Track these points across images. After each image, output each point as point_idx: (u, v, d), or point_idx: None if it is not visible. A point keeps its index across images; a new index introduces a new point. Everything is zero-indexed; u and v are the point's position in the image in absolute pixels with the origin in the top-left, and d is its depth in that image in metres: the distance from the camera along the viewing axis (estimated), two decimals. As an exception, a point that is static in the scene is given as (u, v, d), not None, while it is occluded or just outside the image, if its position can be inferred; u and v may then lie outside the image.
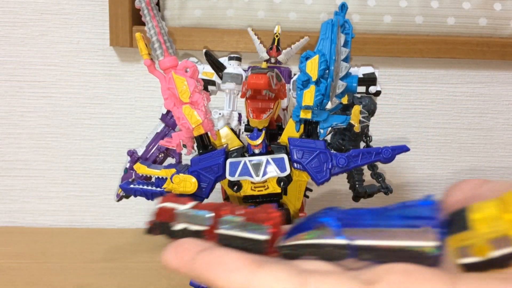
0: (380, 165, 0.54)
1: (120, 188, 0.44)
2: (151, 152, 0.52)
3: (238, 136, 0.47)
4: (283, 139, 0.43)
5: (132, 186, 0.43)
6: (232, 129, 0.46)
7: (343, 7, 0.43)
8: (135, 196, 0.43)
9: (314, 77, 0.40)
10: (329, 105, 0.42)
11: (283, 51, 0.52)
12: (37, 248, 0.70)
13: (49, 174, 0.80)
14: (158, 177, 0.43)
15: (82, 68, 0.76)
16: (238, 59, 0.53)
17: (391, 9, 0.73)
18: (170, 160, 0.53)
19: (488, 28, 0.73)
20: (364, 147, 0.54)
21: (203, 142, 0.42)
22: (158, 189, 0.42)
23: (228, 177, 0.40)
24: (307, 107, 0.40)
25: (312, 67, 0.40)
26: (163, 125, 0.53)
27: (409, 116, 0.79)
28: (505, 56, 0.73)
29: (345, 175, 0.55)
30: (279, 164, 0.40)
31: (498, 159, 0.80)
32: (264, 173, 0.40)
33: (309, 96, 0.40)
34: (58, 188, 0.80)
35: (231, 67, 0.51)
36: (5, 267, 0.64)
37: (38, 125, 0.78)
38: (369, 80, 0.53)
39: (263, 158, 0.40)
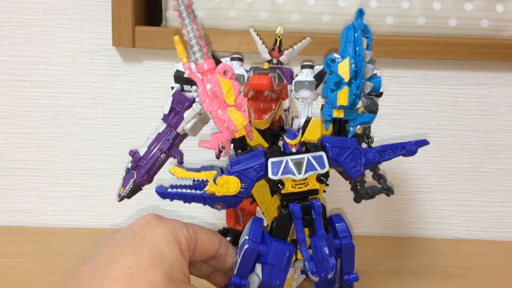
0: (381, 166, 0.54)
1: (156, 192, 0.43)
2: (153, 152, 0.52)
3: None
4: (308, 137, 0.45)
5: (169, 190, 0.43)
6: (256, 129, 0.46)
7: (361, 13, 0.46)
8: (172, 200, 0.43)
9: (347, 78, 0.43)
10: (359, 104, 0.45)
11: (285, 52, 0.52)
12: (39, 248, 0.70)
13: (51, 174, 0.80)
14: (197, 180, 0.43)
15: (84, 68, 0.77)
16: (240, 59, 0.53)
17: (393, 11, 0.73)
18: (172, 160, 0.53)
19: (490, 29, 0.73)
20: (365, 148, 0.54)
21: (242, 143, 0.43)
22: (198, 191, 0.42)
23: (271, 176, 0.42)
24: (341, 107, 0.43)
25: (344, 69, 0.43)
26: (165, 125, 0.53)
27: (411, 118, 0.79)
28: (507, 57, 0.73)
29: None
30: (319, 161, 0.42)
31: (500, 161, 0.80)
32: (306, 171, 0.42)
33: (343, 96, 0.43)
34: (60, 188, 0.80)
35: (233, 68, 0.51)
36: (7, 267, 0.64)
37: (40, 125, 0.78)
38: (371, 81, 0.53)
39: (304, 156, 0.42)
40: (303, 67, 0.52)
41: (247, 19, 0.73)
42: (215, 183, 0.41)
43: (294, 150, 0.43)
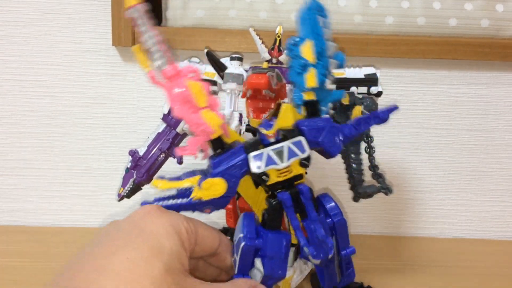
0: (381, 165, 0.54)
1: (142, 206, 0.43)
2: (152, 152, 0.52)
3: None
4: (281, 124, 0.44)
5: (156, 203, 0.42)
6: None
7: None
8: None
9: (312, 60, 0.42)
10: (328, 83, 0.44)
11: (285, 51, 0.52)
12: (39, 247, 0.70)
13: (51, 173, 0.80)
14: (181, 188, 0.41)
15: (84, 67, 0.77)
16: (240, 59, 0.53)
17: (393, 10, 0.73)
18: (171, 160, 0.53)
19: (490, 29, 0.73)
20: (365, 147, 0.54)
21: (220, 143, 0.42)
22: (185, 200, 0.41)
23: (254, 170, 0.41)
24: (311, 89, 0.43)
25: (307, 51, 0.42)
26: (164, 125, 0.53)
27: (411, 117, 0.79)
28: (507, 57, 0.73)
29: (345, 175, 0.55)
30: (299, 146, 0.41)
31: (500, 161, 0.80)
32: (288, 158, 0.41)
33: (311, 78, 0.42)
34: (60, 187, 0.81)
35: (232, 67, 0.51)
36: (6, 266, 0.64)
37: (40, 125, 0.78)
38: (370, 80, 0.53)
39: (284, 144, 0.41)
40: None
41: (247, 18, 0.73)
42: (200, 188, 0.40)
43: (272, 140, 0.42)
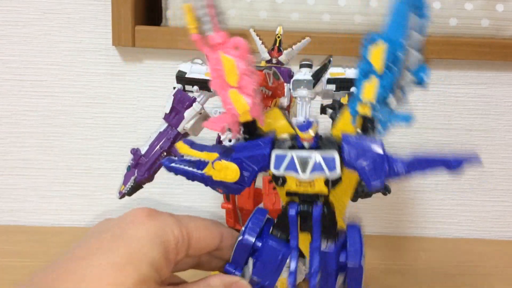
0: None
1: (162, 165, 0.41)
2: (154, 150, 0.52)
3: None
4: (337, 131, 0.38)
5: (173, 164, 0.40)
6: (282, 111, 0.42)
7: None
8: (176, 174, 0.41)
9: (379, 68, 0.34)
10: (393, 101, 0.37)
11: (284, 51, 0.52)
12: (39, 247, 0.70)
13: (51, 173, 0.80)
14: (200, 159, 0.39)
15: (84, 67, 0.77)
16: (240, 59, 0.53)
17: (393, 10, 0.73)
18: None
19: (491, 29, 0.73)
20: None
21: (250, 128, 0.39)
22: (199, 171, 0.39)
23: (272, 170, 0.37)
24: (366, 102, 0.35)
25: (377, 56, 0.34)
26: (166, 124, 0.53)
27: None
28: (507, 57, 0.73)
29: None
30: (329, 163, 0.35)
31: (500, 161, 0.80)
32: (311, 171, 0.35)
33: (370, 89, 0.35)
34: (60, 187, 0.80)
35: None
36: (7, 266, 0.64)
37: (40, 124, 0.78)
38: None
39: (313, 155, 0.35)
40: (301, 66, 0.52)
41: (247, 18, 0.73)
42: (212, 167, 0.38)
43: (306, 145, 0.36)
